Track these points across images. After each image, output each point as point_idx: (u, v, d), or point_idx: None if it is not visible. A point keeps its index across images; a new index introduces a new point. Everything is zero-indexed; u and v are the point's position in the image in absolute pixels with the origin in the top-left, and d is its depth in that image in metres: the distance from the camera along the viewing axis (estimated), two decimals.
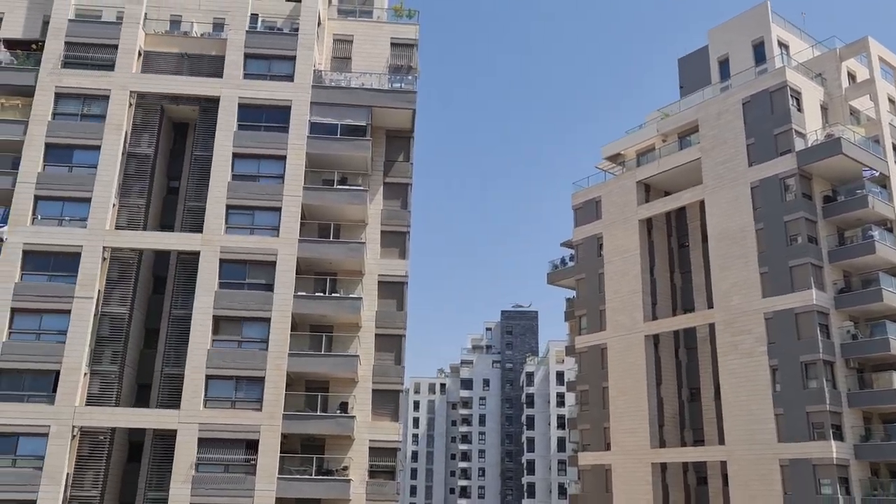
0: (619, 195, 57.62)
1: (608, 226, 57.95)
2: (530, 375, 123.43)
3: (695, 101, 54.77)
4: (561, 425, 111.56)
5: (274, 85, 38.69)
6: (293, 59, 39.11)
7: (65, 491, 32.66)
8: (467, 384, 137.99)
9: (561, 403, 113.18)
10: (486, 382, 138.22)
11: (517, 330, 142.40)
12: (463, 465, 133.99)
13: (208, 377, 34.56)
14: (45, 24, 39.16)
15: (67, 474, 32.97)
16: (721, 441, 48.05)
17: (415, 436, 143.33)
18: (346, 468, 35.49)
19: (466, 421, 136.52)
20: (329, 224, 38.72)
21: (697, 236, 54.96)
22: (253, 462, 33.59)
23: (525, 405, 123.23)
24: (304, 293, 36.56)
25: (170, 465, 33.43)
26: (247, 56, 39.00)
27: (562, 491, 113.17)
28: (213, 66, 39.05)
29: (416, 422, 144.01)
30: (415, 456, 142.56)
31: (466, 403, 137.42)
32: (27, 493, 32.17)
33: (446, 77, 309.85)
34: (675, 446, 51.88)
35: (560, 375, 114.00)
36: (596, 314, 57.58)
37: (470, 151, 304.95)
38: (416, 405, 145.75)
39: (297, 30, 39.69)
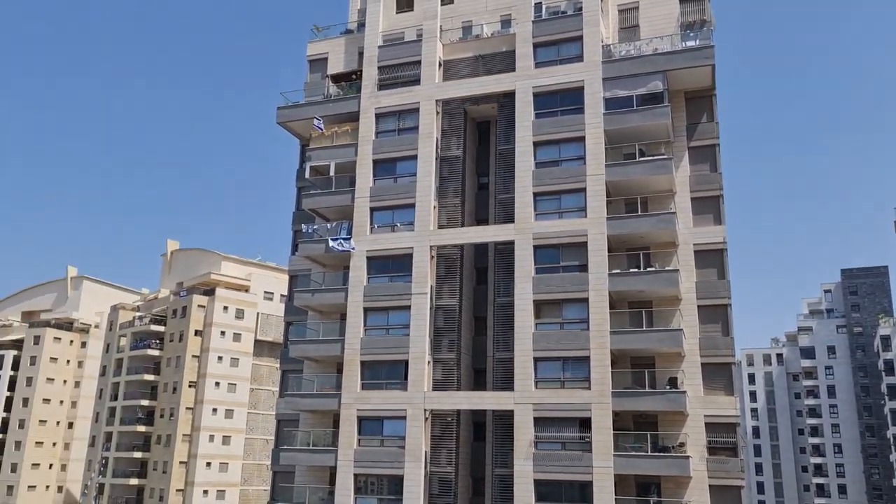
0: None
1: None
2: (886, 339, 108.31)
3: None
4: None
5: (564, 69, 38.99)
6: (580, 39, 39.03)
7: (425, 467, 36.51)
8: (808, 353, 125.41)
9: None
10: (831, 350, 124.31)
11: (863, 290, 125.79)
12: (814, 440, 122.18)
13: (536, 359, 36.01)
14: (360, 54, 44.09)
15: (425, 452, 36.79)
16: None
17: (753, 410, 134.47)
18: (682, 445, 34.53)
19: (812, 393, 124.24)
20: (635, 198, 37.95)
21: None
22: (587, 439, 34.27)
23: (883, 373, 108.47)
24: (618, 271, 36.34)
25: (511, 443, 35.54)
26: (535, 45, 39.83)
27: None
28: (505, 62, 40.58)
29: (752, 395, 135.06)
30: (755, 432, 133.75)
31: (810, 374, 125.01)
32: (395, 469, 36.62)
33: (744, 26, 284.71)
34: None
35: None
36: None
37: (788, 100, 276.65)
38: (752, 378, 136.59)
39: (580, 9, 39.53)
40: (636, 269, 36.62)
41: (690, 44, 37.88)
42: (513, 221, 38.09)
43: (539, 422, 35.21)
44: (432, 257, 39.25)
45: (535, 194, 38.05)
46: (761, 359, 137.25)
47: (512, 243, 37.88)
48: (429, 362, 37.92)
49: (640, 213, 37.17)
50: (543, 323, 36.65)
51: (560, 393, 35.35)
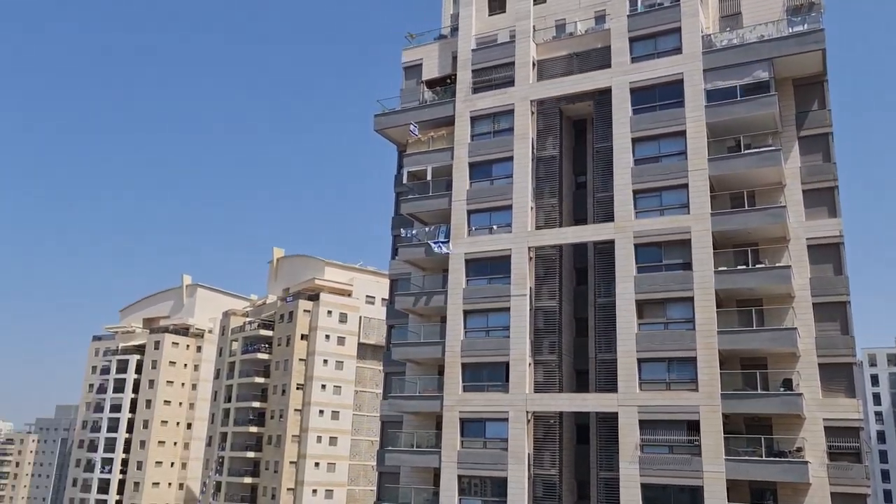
0: None
1: None
2: None
3: None
4: None
5: (662, 62, 38.00)
6: (678, 30, 37.94)
7: (528, 469, 36.34)
8: None
9: None
10: None
11: None
12: None
13: (640, 360, 35.21)
14: (454, 59, 44.47)
15: (528, 454, 36.62)
16: None
17: (877, 414, 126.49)
18: (799, 450, 32.89)
19: None
20: (741, 192, 36.51)
21: None
22: (696, 443, 33.19)
23: None
24: (724, 268, 35.04)
25: (616, 446, 34.86)
26: (631, 40, 39.00)
27: None
28: (600, 59, 39.95)
29: (875, 398, 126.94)
30: (880, 436, 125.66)
31: None
32: (498, 471, 36.64)
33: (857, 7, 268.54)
34: None
35: None
36: None
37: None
38: (874, 379, 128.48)
39: (678, 1, 38.42)
40: (744, 266, 35.19)
41: (798, 29, 36.10)
42: (612, 220, 37.41)
43: (644, 424, 34.39)
44: (531, 258, 39.06)
45: (635, 192, 37.24)
46: (885, 359, 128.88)
47: (612, 242, 37.21)
48: (530, 364, 37.74)
49: (747, 208, 35.73)
50: (647, 323, 35.80)
51: (666, 395, 34.41)
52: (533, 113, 40.90)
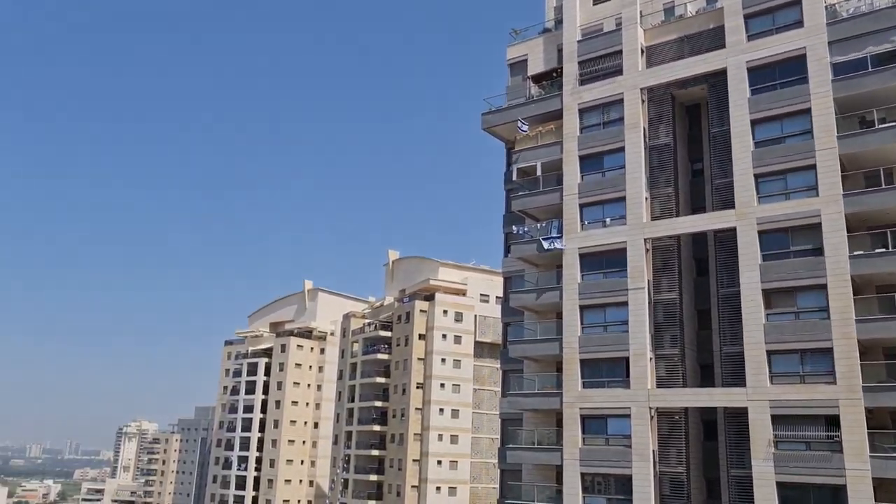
0: None
1: None
2: None
3: None
4: None
5: (781, 38, 36.02)
6: (798, 3, 35.92)
7: (653, 466, 35.37)
8: None
9: None
10: None
11: None
12: None
13: (769, 352, 33.55)
14: (559, 52, 43.90)
15: (653, 451, 35.64)
16: None
17: None
18: None
19: None
20: (877, 170, 34.03)
21: None
22: (836, 439, 31.23)
23: None
24: (860, 252, 32.77)
25: (746, 443, 33.35)
26: (746, 17, 37.21)
27: None
28: (713, 40, 38.35)
29: None
30: None
31: None
32: (622, 468, 35.87)
33: None
34: None
35: None
36: None
37: None
38: None
39: None
40: (883, 250, 32.77)
41: None
42: (733, 207, 35.82)
43: (777, 420, 32.71)
44: (647, 250, 38.02)
45: (757, 176, 35.50)
46: None
47: (733, 230, 35.62)
48: (651, 359, 36.74)
49: (884, 187, 33.26)
50: (775, 313, 34.04)
51: (800, 388, 32.58)
52: (643, 101, 39.78)
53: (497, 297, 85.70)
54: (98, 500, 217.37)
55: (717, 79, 37.90)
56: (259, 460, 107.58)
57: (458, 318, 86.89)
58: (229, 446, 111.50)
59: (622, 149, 39.46)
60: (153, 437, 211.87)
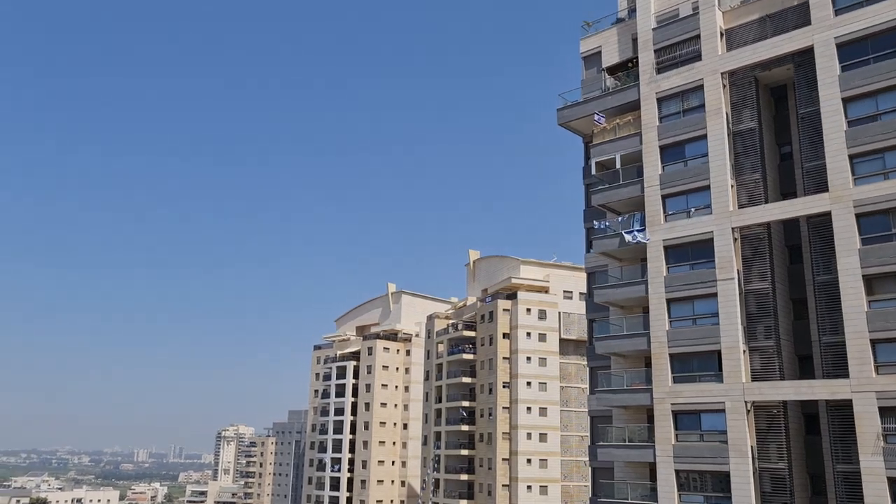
0: None
1: None
2: None
3: None
4: None
5: (875, 8, 34.22)
6: None
7: (752, 463, 34.17)
8: None
9: None
10: None
11: None
12: None
13: (873, 341, 31.90)
14: (634, 41, 43.00)
15: (751, 447, 34.43)
16: None
17: None
18: None
19: None
20: None
21: None
22: None
23: None
24: None
25: (852, 437, 31.82)
26: None
27: None
28: (798, 17, 36.78)
29: None
30: None
31: None
32: (719, 465, 34.81)
33: None
34: None
35: None
36: None
37: None
38: None
39: None
40: None
41: None
42: (826, 190, 34.25)
43: (886, 412, 31.06)
44: (735, 239, 36.78)
45: (851, 156, 33.82)
46: None
47: (828, 214, 34.05)
48: (744, 351, 35.52)
49: None
50: (878, 300, 32.34)
51: None
52: (725, 86, 38.51)
53: (580, 293, 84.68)
54: (202, 501, 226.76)
55: (804, 58, 36.31)
56: (351, 461, 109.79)
57: (542, 315, 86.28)
58: (322, 448, 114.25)
59: (704, 136, 38.31)
60: (250, 441, 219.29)
